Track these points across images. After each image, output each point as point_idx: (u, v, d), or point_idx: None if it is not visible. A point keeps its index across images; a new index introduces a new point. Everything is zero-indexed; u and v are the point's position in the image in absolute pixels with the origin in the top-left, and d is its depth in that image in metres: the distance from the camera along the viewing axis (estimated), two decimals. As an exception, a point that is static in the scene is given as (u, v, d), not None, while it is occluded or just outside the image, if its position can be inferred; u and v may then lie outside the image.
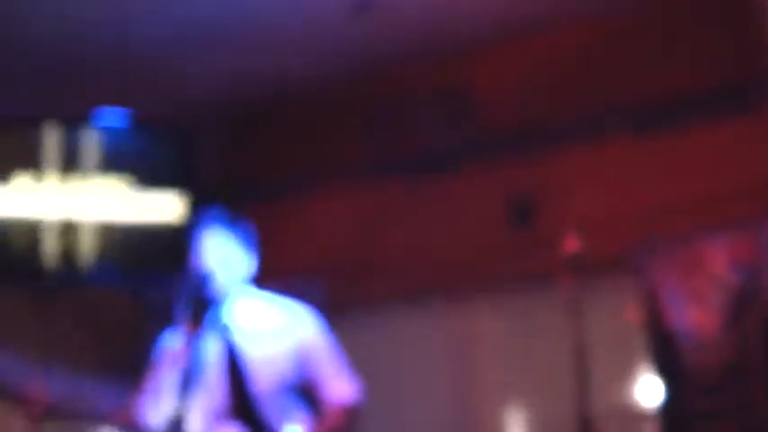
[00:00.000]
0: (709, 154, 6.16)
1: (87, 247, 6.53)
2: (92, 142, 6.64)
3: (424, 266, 6.59)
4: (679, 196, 6.12)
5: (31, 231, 6.53)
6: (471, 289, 6.55)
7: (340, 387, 4.03)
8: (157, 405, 3.90)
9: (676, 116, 6.26)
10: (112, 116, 6.71)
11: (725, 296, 5.98)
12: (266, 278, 4.20)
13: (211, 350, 3.95)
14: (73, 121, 6.64)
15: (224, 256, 4.02)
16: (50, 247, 6.50)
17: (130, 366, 4.52)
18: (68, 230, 6.55)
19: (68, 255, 6.52)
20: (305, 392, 4.05)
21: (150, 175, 6.67)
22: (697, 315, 5.99)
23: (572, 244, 3.84)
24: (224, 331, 3.99)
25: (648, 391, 6.20)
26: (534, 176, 6.32)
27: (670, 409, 5.97)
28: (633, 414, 6.22)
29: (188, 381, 3.83)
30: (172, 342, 4.00)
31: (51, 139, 6.59)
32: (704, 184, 6.11)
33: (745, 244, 6.02)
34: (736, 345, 5.84)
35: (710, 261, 6.05)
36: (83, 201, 6.59)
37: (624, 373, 6.29)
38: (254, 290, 4.14)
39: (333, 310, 5.89)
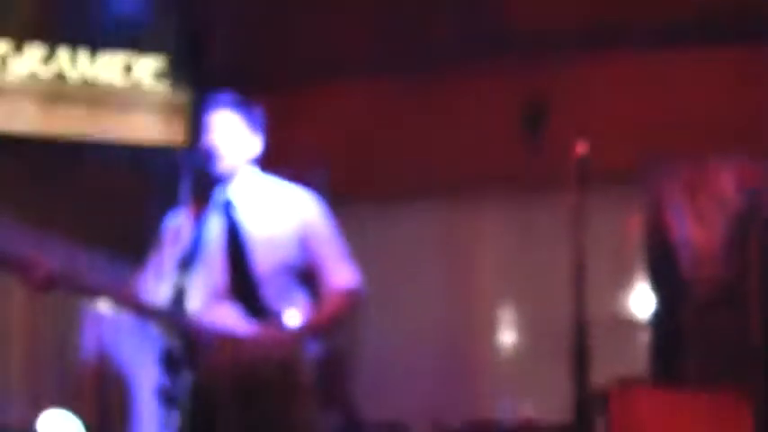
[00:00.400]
0: (729, 75, 6.12)
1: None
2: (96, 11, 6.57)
3: (431, 164, 6.57)
4: (692, 115, 6.08)
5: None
6: (476, 190, 6.55)
7: (341, 272, 4.03)
8: (158, 283, 3.91)
9: (698, 34, 6.18)
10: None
11: (728, 217, 5.99)
12: (271, 167, 4.20)
13: (214, 229, 3.96)
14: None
15: (231, 135, 4.02)
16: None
17: (132, 243, 4.54)
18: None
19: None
20: (306, 277, 4.08)
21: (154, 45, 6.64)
22: (699, 233, 6.01)
23: (580, 151, 3.81)
24: (227, 210, 4.00)
25: (643, 302, 6.24)
26: (549, 82, 6.26)
27: (663, 322, 6.02)
28: (627, 323, 6.27)
29: (190, 259, 3.86)
30: (175, 220, 4.01)
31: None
32: (719, 105, 6.08)
33: (752, 168, 6.02)
34: (736, 267, 5.86)
35: (717, 181, 6.04)
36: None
37: (621, 284, 6.32)
38: (259, 172, 4.14)
39: (337, 203, 5.93)
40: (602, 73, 6.31)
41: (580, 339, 3.56)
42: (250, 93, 4.15)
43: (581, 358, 3.59)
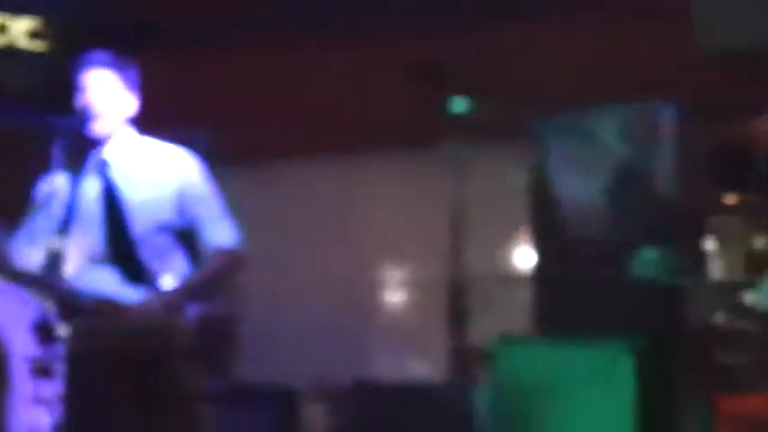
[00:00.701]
0: (612, 30, 6.16)
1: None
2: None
3: (317, 124, 6.51)
4: (577, 68, 6.11)
5: None
6: (363, 149, 6.51)
7: (220, 232, 3.98)
8: (32, 247, 3.81)
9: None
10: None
11: (612, 170, 6.05)
12: (151, 125, 4.11)
13: (90, 191, 3.86)
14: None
15: (106, 94, 3.92)
16: None
17: (5, 207, 4.40)
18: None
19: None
20: (185, 237, 4.02)
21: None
22: (583, 186, 6.06)
23: (461, 107, 3.82)
24: (103, 172, 3.90)
25: (528, 256, 6.30)
26: (438, 43, 6.25)
27: (546, 276, 6.07)
28: (510, 278, 6.32)
29: (65, 222, 3.76)
30: (50, 182, 3.89)
31: None
32: (603, 57, 6.12)
33: (638, 120, 6.08)
34: (618, 218, 5.92)
35: (601, 134, 6.10)
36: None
37: (505, 238, 6.37)
38: (136, 133, 4.05)
39: (221, 163, 5.85)
40: (493, 34, 6.28)
41: (457, 295, 3.57)
42: (130, 51, 4.05)
43: (458, 314, 3.61)
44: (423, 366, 6.06)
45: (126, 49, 4.10)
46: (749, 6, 5.40)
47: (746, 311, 3.59)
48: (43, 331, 3.52)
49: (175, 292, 3.81)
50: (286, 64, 6.70)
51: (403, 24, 6.41)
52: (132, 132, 4.03)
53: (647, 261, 3.42)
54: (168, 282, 3.81)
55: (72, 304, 3.65)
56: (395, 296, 6.50)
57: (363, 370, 5.85)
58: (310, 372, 5.59)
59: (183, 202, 3.95)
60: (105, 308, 3.71)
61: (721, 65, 5.85)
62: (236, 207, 4.12)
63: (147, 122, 4.07)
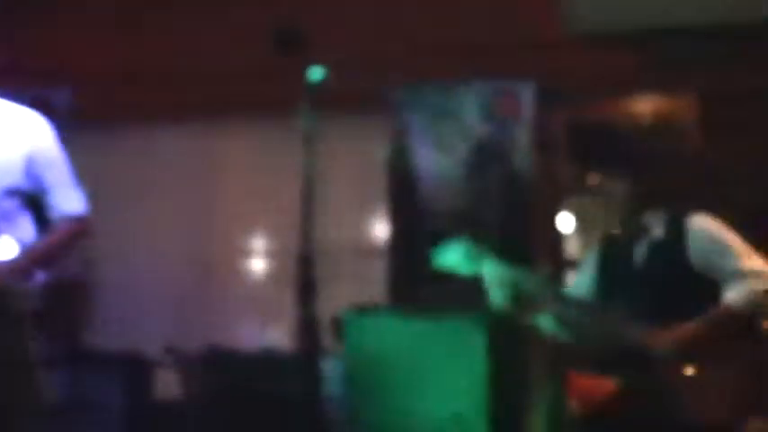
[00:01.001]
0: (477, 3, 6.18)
1: None
2: None
3: (173, 89, 6.38)
4: (441, 42, 6.08)
5: None
6: (222, 114, 6.41)
7: (69, 198, 3.90)
8: None
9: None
10: None
11: (471, 146, 6.09)
12: (7, 82, 4.00)
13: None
14: None
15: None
16: None
17: None
18: None
19: None
20: (33, 202, 3.93)
21: None
22: (442, 160, 6.09)
23: (318, 76, 3.78)
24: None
25: (384, 229, 6.32)
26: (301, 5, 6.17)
27: (402, 249, 6.11)
28: (366, 250, 6.33)
29: None
30: None
31: None
32: (469, 32, 6.12)
33: (501, 97, 6.13)
34: (477, 194, 5.97)
35: (462, 109, 6.13)
36: None
37: (362, 210, 6.37)
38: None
39: (79, 126, 5.72)
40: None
41: (305, 265, 3.56)
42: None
43: (307, 284, 3.59)
44: (275, 335, 6.05)
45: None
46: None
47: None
48: None
49: (21, 256, 3.72)
50: (148, 24, 6.55)
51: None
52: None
53: (451, 251, 3.43)
54: (8, 246, 3.73)
55: None
56: (249, 264, 6.46)
57: (216, 337, 5.81)
58: (162, 338, 5.53)
59: (31, 167, 3.85)
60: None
61: (585, 45, 5.93)
62: (91, 169, 4.05)
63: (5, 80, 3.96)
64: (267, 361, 5.58)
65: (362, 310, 5.46)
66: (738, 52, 5.80)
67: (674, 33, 5.65)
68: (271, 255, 6.45)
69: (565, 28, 5.81)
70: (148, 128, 6.51)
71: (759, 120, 5.74)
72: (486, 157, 6.08)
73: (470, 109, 6.12)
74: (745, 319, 3.53)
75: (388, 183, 6.09)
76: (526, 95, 6.04)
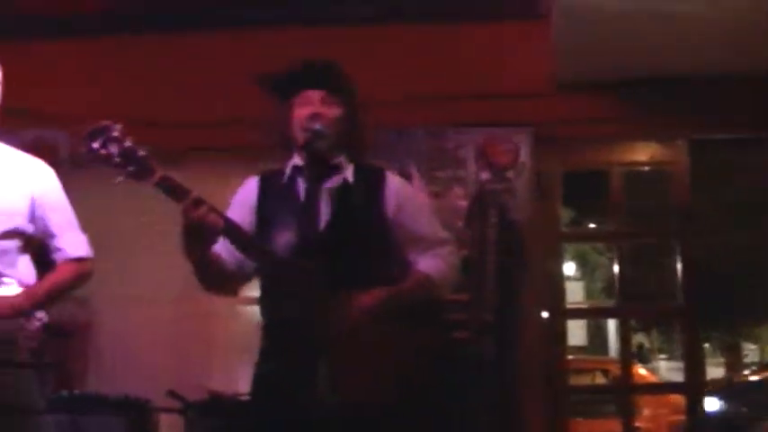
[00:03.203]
0: (476, 51, 6.24)
1: None
2: None
3: (179, 129, 6.35)
4: (436, 88, 6.13)
5: None
6: (221, 157, 6.34)
7: (73, 241, 3.97)
8: None
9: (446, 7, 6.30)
10: None
11: (468, 192, 6.13)
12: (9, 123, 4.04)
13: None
14: None
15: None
16: None
17: None
18: None
19: None
20: (36, 246, 3.98)
21: None
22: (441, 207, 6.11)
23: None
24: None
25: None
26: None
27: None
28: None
29: None
30: None
31: None
32: (463, 79, 6.17)
33: (494, 145, 6.18)
34: (475, 241, 5.99)
35: (458, 156, 6.18)
36: None
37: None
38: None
39: (74, 164, 5.71)
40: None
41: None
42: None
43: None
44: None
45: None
46: (610, 40, 5.55)
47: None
48: None
49: (23, 295, 3.77)
50: (139, 58, 6.54)
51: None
52: (-13, 138, 3.98)
53: None
54: (10, 288, 3.76)
55: None
56: (249, 311, 6.40)
57: (217, 383, 5.78)
58: (162, 383, 5.52)
59: (36, 211, 3.92)
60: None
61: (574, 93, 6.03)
62: (89, 212, 4.09)
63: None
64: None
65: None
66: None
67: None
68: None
69: (554, 78, 5.92)
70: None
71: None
72: (483, 203, 6.11)
73: (468, 155, 6.16)
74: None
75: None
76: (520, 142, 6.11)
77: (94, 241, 4.06)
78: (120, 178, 3.20)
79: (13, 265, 3.83)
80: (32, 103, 5.65)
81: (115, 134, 3.16)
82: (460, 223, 6.02)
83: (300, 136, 3.51)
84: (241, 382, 5.82)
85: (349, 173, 3.59)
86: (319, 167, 3.53)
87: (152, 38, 6.52)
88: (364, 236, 3.45)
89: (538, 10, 6.02)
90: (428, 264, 3.53)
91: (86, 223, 4.08)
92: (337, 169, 3.58)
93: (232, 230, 3.33)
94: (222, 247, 3.49)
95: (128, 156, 3.19)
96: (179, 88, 6.39)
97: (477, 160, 6.18)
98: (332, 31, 6.19)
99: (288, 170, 3.58)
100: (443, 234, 3.65)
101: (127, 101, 5.97)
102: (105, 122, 3.14)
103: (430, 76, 6.20)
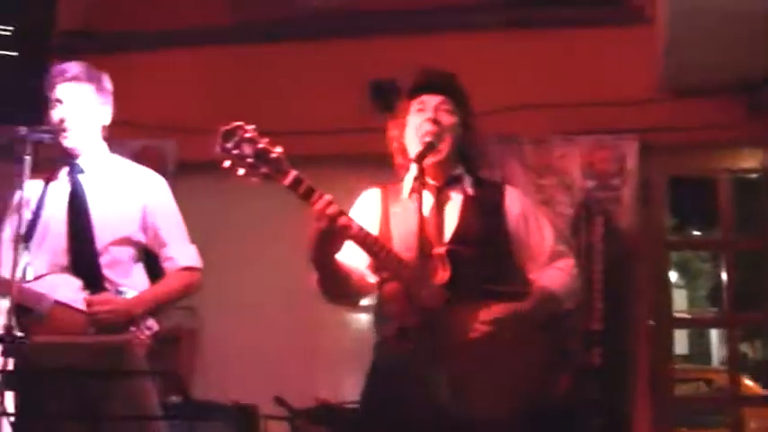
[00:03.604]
0: (579, 58, 6.22)
1: None
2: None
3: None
4: (541, 96, 6.12)
5: None
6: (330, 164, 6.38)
7: (183, 251, 4.05)
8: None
9: (551, 15, 6.29)
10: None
11: (574, 201, 6.08)
12: (117, 133, 4.13)
13: (59, 201, 3.89)
14: None
15: (80, 107, 3.94)
16: None
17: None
18: None
19: None
20: (147, 255, 4.05)
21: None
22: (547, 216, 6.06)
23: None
24: (74, 184, 3.93)
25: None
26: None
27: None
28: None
29: (30, 232, 3.79)
30: (18, 193, 3.88)
31: None
32: (568, 87, 6.16)
33: (599, 152, 6.12)
34: (582, 250, 5.94)
35: (564, 164, 6.13)
36: None
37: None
38: (106, 149, 4.08)
39: (182, 172, 5.80)
40: (458, 51, 6.22)
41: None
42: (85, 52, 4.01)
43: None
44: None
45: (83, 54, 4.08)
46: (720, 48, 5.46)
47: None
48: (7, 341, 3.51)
49: (135, 300, 3.84)
50: (242, 70, 6.65)
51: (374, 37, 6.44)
52: (104, 147, 4.06)
53: None
54: (126, 294, 3.83)
55: (31, 307, 3.66)
56: (356, 319, 6.39)
57: (324, 392, 5.79)
58: (268, 390, 5.54)
59: (147, 220, 3.99)
60: (62, 313, 3.73)
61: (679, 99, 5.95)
62: (197, 218, 4.14)
63: (114, 130, 4.08)
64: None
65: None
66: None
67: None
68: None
69: (661, 85, 5.84)
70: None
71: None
72: (588, 212, 6.05)
73: (572, 163, 6.12)
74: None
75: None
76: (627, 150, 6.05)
77: (201, 249, 4.11)
78: (254, 179, 3.16)
79: (127, 274, 3.91)
80: (136, 113, 5.72)
81: (249, 135, 3.15)
82: (566, 232, 5.94)
83: (414, 146, 3.48)
84: (348, 391, 5.88)
85: (468, 185, 3.57)
86: (438, 180, 3.52)
87: (255, 48, 6.62)
88: (487, 250, 3.42)
89: (643, 15, 5.97)
90: (551, 278, 3.49)
91: (193, 231, 4.13)
92: (457, 181, 3.56)
93: (363, 234, 3.29)
94: (346, 257, 3.44)
95: (262, 156, 3.15)
96: (283, 98, 6.45)
97: (583, 168, 6.11)
98: (441, 39, 6.25)
99: (407, 182, 3.53)
100: (561, 247, 3.62)
101: (237, 109, 6.05)
102: (238, 123, 3.15)
103: (534, 84, 6.19)
